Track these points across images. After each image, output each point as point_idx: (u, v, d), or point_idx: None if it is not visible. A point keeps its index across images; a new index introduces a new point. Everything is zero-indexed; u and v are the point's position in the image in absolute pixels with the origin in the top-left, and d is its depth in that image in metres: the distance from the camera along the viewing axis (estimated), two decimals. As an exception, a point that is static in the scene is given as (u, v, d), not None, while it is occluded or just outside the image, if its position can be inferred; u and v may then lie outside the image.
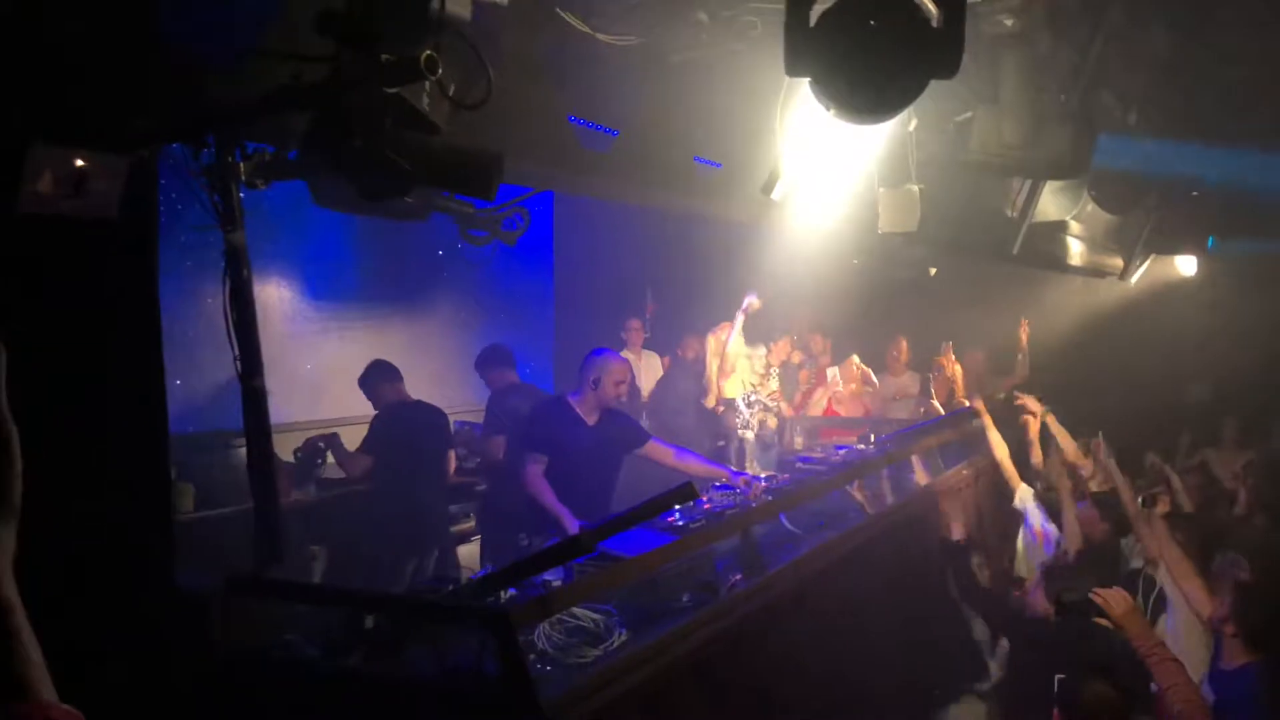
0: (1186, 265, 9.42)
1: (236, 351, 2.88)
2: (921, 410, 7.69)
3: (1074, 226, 7.88)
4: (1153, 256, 9.21)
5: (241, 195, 2.84)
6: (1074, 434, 6.34)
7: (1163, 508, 4.93)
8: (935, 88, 2.77)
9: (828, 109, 2.89)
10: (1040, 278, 8.93)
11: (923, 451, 6.37)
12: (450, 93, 2.57)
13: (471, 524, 6.66)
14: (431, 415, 6.00)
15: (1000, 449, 6.13)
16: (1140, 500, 4.86)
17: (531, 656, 2.86)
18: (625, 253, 8.85)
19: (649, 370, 8.23)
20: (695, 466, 4.94)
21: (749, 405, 6.46)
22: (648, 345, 8.42)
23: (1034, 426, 6.38)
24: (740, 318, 7.22)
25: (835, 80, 2.78)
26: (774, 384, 7.21)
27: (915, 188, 4.86)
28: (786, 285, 7.30)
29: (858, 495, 5.34)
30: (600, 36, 3.97)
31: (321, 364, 7.31)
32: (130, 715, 2.57)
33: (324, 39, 2.38)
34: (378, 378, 5.89)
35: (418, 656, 2.83)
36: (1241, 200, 7.48)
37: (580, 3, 3.88)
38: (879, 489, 5.85)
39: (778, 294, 7.49)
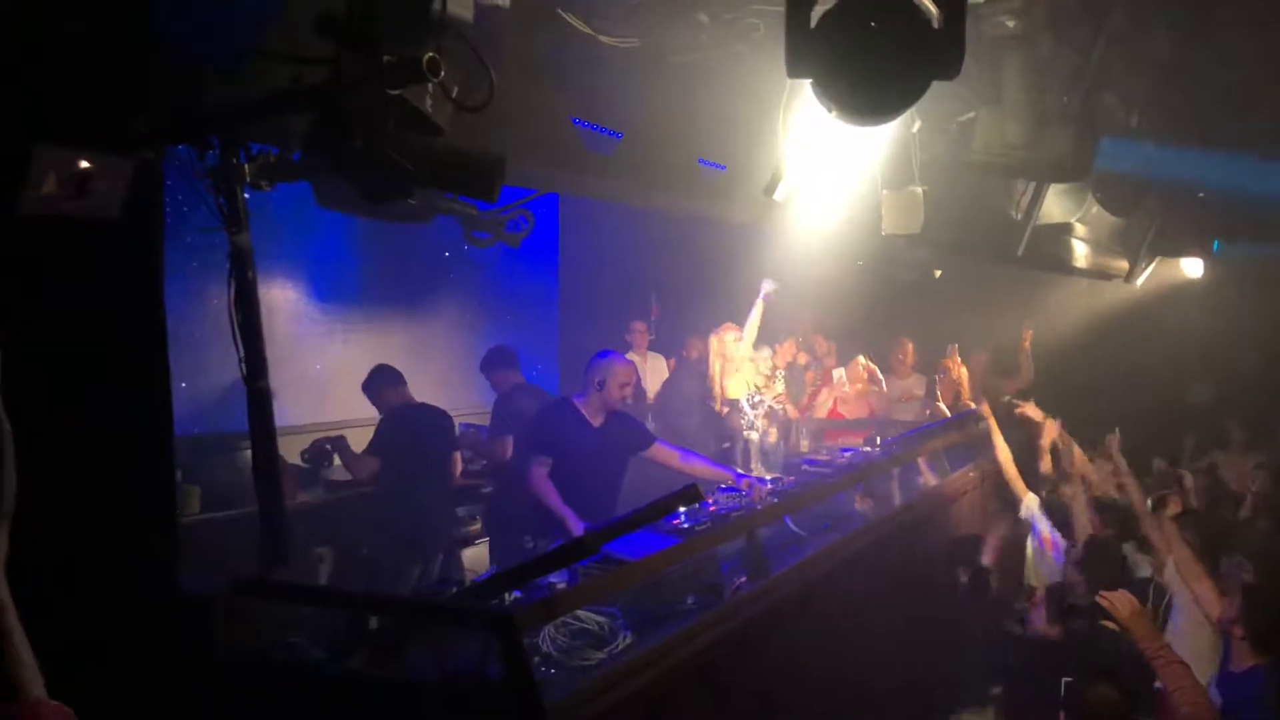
0: (1192, 268, 9.41)
1: (242, 353, 2.88)
2: (927, 413, 7.66)
3: (1079, 229, 7.87)
4: (1158, 259, 9.20)
5: (246, 197, 2.85)
6: (1079, 435, 6.29)
7: (1174, 509, 4.89)
8: (938, 88, 2.76)
9: (829, 110, 2.89)
10: (1045, 280, 8.93)
11: (929, 454, 6.34)
12: (453, 94, 2.57)
13: (478, 526, 6.65)
14: (436, 418, 6.01)
15: (1005, 457, 6.06)
16: (1150, 503, 4.82)
17: (536, 659, 2.86)
18: (630, 254, 8.84)
19: (654, 372, 8.21)
20: (700, 469, 4.93)
21: (754, 406, 6.44)
22: (652, 347, 8.40)
23: (1047, 436, 6.20)
24: (760, 304, 7.04)
25: (836, 81, 2.77)
26: (780, 386, 7.18)
27: (919, 189, 4.84)
28: (790, 287, 7.27)
29: (860, 505, 5.31)
30: (602, 38, 3.97)
31: (327, 366, 7.32)
32: (132, 716, 2.58)
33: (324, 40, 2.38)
34: (381, 383, 5.89)
35: (422, 659, 2.82)
36: (1243, 204, 7.48)
37: (582, 4, 3.88)
38: (886, 490, 5.82)
39: (781, 296, 7.46)
